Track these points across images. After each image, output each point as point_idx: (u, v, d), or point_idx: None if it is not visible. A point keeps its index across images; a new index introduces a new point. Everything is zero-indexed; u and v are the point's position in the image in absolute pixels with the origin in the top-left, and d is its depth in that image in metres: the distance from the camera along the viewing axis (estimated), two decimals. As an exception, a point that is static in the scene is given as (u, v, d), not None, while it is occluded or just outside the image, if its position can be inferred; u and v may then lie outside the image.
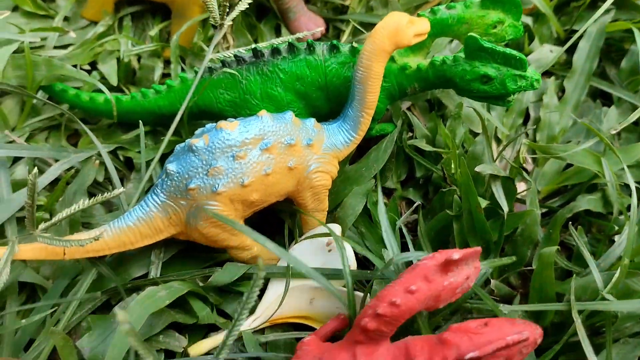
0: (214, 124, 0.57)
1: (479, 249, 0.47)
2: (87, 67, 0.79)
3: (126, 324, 0.33)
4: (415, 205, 0.69)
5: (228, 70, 0.63)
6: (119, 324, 0.39)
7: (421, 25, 0.58)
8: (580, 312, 0.54)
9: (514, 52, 0.57)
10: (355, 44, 0.64)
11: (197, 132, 0.58)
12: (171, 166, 0.55)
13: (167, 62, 0.82)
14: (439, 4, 0.89)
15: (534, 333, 0.44)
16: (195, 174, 0.54)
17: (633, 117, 0.70)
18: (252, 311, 0.61)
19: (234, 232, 0.58)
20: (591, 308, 0.54)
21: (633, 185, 0.63)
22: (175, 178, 0.55)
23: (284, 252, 0.50)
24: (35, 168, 0.48)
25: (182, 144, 0.57)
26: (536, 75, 0.59)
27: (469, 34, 0.58)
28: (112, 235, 0.56)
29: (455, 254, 0.45)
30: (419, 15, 0.65)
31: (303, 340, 0.52)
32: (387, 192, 0.75)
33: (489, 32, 0.65)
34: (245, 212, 0.58)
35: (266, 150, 0.55)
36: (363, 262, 0.69)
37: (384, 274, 0.58)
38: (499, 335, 0.43)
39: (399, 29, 0.57)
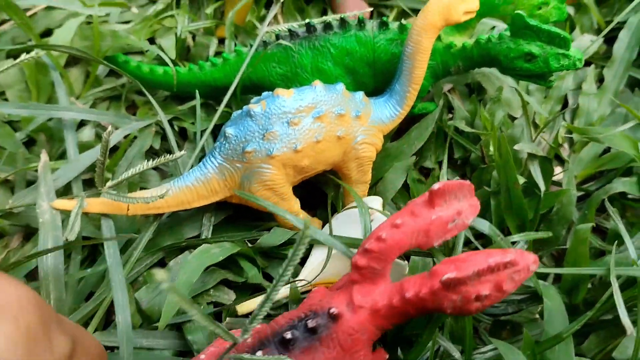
0: (271, 92, 0.60)
1: (467, 182, 0.47)
2: (147, 43, 0.84)
3: (166, 282, 0.35)
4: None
5: (283, 42, 0.66)
6: (161, 282, 0.44)
7: (471, 3, 0.61)
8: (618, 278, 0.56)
9: (559, 30, 0.60)
10: (404, 21, 0.67)
11: (254, 99, 0.62)
12: (230, 130, 0.59)
13: (221, 41, 0.86)
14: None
15: (525, 259, 0.42)
16: (252, 138, 0.58)
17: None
18: (295, 275, 0.65)
19: (284, 196, 0.62)
20: (629, 274, 0.55)
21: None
22: (233, 141, 0.59)
23: (299, 221, 0.54)
24: (110, 126, 0.52)
25: (240, 111, 0.61)
26: (579, 54, 0.61)
27: (515, 12, 0.60)
28: (171, 194, 0.60)
29: (436, 184, 0.45)
30: (467, -4, 0.67)
31: (315, 289, 0.53)
32: (426, 172, 0.78)
33: (534, 12, 0.67)
34: (295, 177, 0.62)
35: (318, 118, 0.59)
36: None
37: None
38: (484, 260, 0.42)
39: (451, 5, 0.59)
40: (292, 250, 0.52)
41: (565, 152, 0.81)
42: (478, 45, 0.65)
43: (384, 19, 0.67)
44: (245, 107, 0.59)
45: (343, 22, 0.66)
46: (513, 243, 0.65)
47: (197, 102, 0.69)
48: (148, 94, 0.68)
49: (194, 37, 0.85)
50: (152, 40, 0.84)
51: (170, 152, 0.68)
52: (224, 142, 0.59)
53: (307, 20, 0.67)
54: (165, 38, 0.81)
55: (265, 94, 0.61)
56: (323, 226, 0.68)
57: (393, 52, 0.67)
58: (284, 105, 0.58)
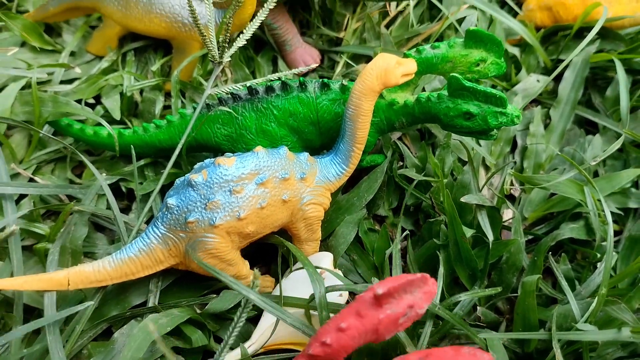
0: (213, 159, 0.60)
1: (418, 276, 0.46)
2: (92, 101, 0.83)
3: (155, 332, 0.35)
4: (404, 233, 0.72)
5: (224, 109, 0.66)
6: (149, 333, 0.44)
7: (409, 66, 0.62)
8: (559, 341, 0.56)
9: (494, 91, 0.61)
10: (345, 82, 0.67)
11: (196, 166, 0.61)
12: (171, 200, 0.58)
13: (168, 95, 0.85)
14: (428, 37, 0.94)
15: None
16: (194, 208, 0.57)
17: (614, 148, 0.73)
18: (247, 337, 0.64)
19: (231, 262, 0.61)
20: (568, 338, 0.56)
21: (610, 217, 0.66)
22: (175, 211, 0.58)
23: (245, 289, 0.52)
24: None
25: (182, 179, 0.60)
26: (516, 111, 0.62)
27: (451, 74, 0.61)
28: (114, 266, 0.59)
29: (379, 288, 0.44)
30: (405, 55, 0.68)
31: None
32: (379, 219, 0.78)
33: (472, 69, 0.68)
34: (242, 243, 0.61)
35: (261, 184, 0.58)
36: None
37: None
38: None
39: (388, 69, 0.60)
40: (233, 323, 0.53)
41: (516, 191, 0.82)
42: (419, 103, 0.65)
43: (325, 80, 0.67)
44: (186, 176, 0.59)
45: (284, 85, 0.67)
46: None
47: (134, 166, 0.67)
48: (86, 160, 0.67)
49: (141, 92, 0.84)
50: (98, 98, 0.83)
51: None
52: (166, 213, 0.59)
53: (248, 83, 0.67)
54: (110, 97, 0.80)
55: (206, 161, 0.60)
56: (276, 284, 0.68)
57: (336, 111, 0.67)
58: (225, 173, 0.57)
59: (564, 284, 0.62)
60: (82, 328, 0.60)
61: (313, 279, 0.57)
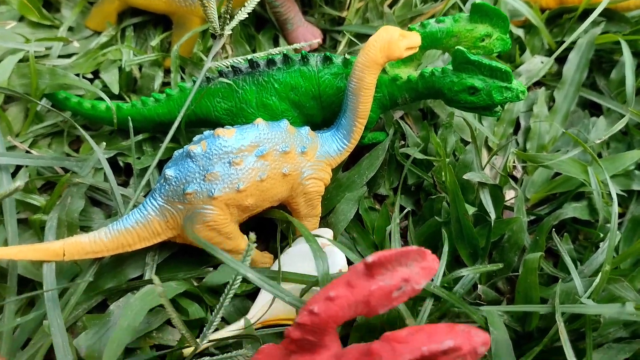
0: (212, 131, 0.59)
1: (413, 248, 0.44)
2: (90, 76, 0.81)
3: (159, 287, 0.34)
4: (405, 211, 0.71)
5: (224, 80, 0.65)
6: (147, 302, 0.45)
7: (412, 39, 0.60)
8: (563, 315, 0.56)
9: (500, 65, 0.60)
10: (347, 56, 0.66)
11: (195, 138, 0.60)
12: (169, 171, 0.57)
13: (167, 72, 0.84)
14: (431, 17, 0.93)
15: (472, 342, 0.39)
16: (193, 179, 0.56)
17: (618, 127, 0.72)
18: (245, 313, 0.63)
19: (229, 235, 0.60)
20: (571, 311, 0.55)
21: (615, 195, 0.65)
22: (173, 183, 0.57)
23: (239, 265, 0.51)
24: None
25: (181, 150, 0.59)
26: (521, 87, 0.61)
27: (456, 47, 0.60)
28: (110, 237, 0.58)
29: (369, 257, 0.42)
30: (409, 29, 0.67)
31: (263, 345, 0.51)
32: (380, 199, 0.77)
33: (477, 45, 0.67)
34: (241, 216, 0.60)
35: (261, 157, 0.57)
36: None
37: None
38: (423, 344, 0.39)
39: (391, 42, 0.59)
40: (222, 296, 0.52)
41: (518, 173, 0.81)
42: (422, 78, 0.64)
43: (327, 53, 0.66)
44: (185, 147, 0.58)
45: (286, 58, 0.65)
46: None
47: (131, 140, 0.66)
48: (85, 133, 0.66)
49: (140, 69, 0.83)
50: (96, 74, 0.82)
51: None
52: (164, 184, 0.58)
53: (249, 56, 0.66)
54: (109, 71, 0.79)
55: (206, 133, 0.59)
56: (274, 260, 0.67)
57: (338, 86, 0.66)
58: (225, 145, 0.56)
59: (567, 259, 0.61)
60: (77, 300, 0.60)
61: (316, 255, 0.56)
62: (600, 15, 0.92)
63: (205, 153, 0.56)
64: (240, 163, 0.57)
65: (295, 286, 0.61)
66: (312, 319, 0.43)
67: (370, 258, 0.42)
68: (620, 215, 0.77)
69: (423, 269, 0.43)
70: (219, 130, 0.57)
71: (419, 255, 0.44)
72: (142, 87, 0.81)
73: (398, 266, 0.43)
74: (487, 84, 0.61)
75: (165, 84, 0.83)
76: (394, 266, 0.43)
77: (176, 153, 0.59)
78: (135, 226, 0.58)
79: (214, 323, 0.53)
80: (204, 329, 0.54)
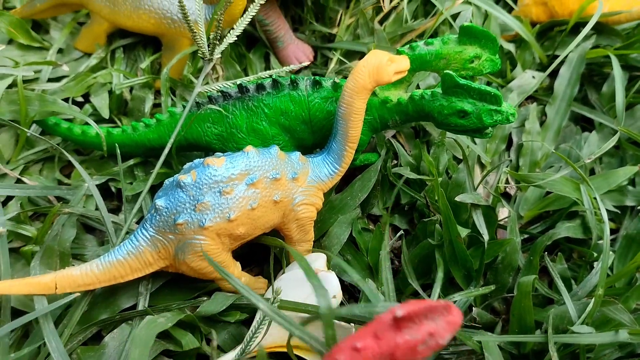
0: (202, 159, 0.58)
1: (440, 303, 0.43)
2: (80, 99, 0.81)
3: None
4: (399, 234, 0.71)
5: (214, 107, 0.65)
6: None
7: (401, 63, 0.60)
8: (556, 342, 0.56)
9: (489, 89, 0.60)
10: (337, 79, 0.66)
11: (185, 167, 0.60)
12: (160, 201, 0.57)
13: (158, 93, 0.84)
14: (422, 33, 0.93)
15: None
16: (183, 209, 0.56)
17: (608, 145, 0.72)
18: (240, 340, 0.63)
19: (222, 264, 0.60)
20: (564, 341, 0.55)
21: (606, 216, 0.65)
22: (164, 213, 0.57)
23: (241, 287, 0.50)
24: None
25: (171, 179, 0.59)
26: (511, 109, 0.61)
27: (445, 72, 0.60)
28: (102, 269, 0.58)
29: (399, 310, 0.41)
30: (398, 52, 0.67)
31: None
32: (374, 219, 0.77)
33: (466, 66, 0.67)
34: (232, 244, 0.60)
35: (252, 185, 0.57)
36: (349, 290, 0.71)
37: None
38: None
39: (380, 67, 0.59)
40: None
41: (512, 189, 0.81)
42: (412, 101, 0.64)
43: (317, 78, 0.66)
44: (175, 177, 0.57)
45: (275, 83, 0.65)
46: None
47: (119, 167, 0.66)
48: (73, 160, 0.66)
49: (131, 90, 0.83)
50: (87, 96, 0.81)
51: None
52: (155, 214, 0.57)
53: (238, 81, 0.65)
54: (99, 95, 0.79)
55: (196, 161, 0.59)
56: (269, 286, 0.67)
57: (328, 109, 0.66)
58: (215, 174, 0.56)
59: (560, 284, 0.61)
60: (71, 332, 0.59)
61: (318, 293, 0.55)
62: (591, 29, 0.92)
63: (195, 183, 0.56)
64: (231, 192, 0.56)
65: (292, 314, 0.61)
66: None
67: (400, 312, 0.41)
68: (614, 231, 0.77)
69: (448, 323, 0.42)
70: (209, 160, 0.57)
71: (445, 310, 0.43)
72: (133, 109, 0.81)
73: (425, 320, 0.42)
74: (477, 108, 0.61)
75: (156, 106, 0.83)
76: (420, 320, 0.42)
77: (167, 182, 0.59)
78: (127, 257, 0.58)
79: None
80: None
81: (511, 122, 0.61)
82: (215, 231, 0.57)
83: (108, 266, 0.58)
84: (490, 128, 0.63)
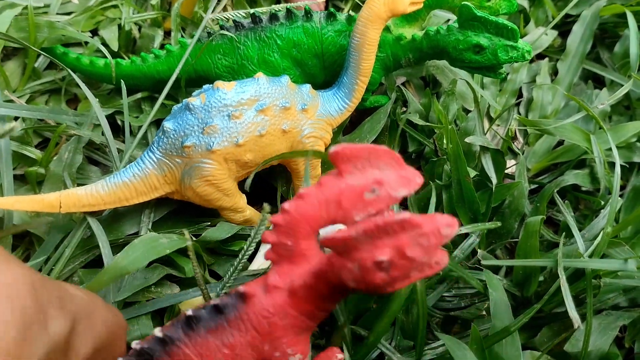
0: (211, 84, 0.58)
1: (382, 148, 0.40)
2: (89, 35, 0.80)
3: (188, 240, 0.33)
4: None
5: (226, 33, 0.64)
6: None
7: (417, -6, 0.59)
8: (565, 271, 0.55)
9: (506, 22, 0.59)
10: (352, 13, 0.65)
11: (195, 92, 0.59)
12: (168, 124, 0.56)
13: (167, 34, 0.83)
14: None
15: (433, 222, 0.35)
16: (192, 132, 0.55)
17: (620, 93, 0.71)
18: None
19: (228, 192, 0.59)
20: (574, 265, 0.55)
21: (618, 161, 0.64)
22: (172, 135, 0.56)
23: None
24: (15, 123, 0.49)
25: (180, 104, 0.58)
26: (527, 46, 0.60)
27: (462, 3, 0.59)
28: (107, 190, 0.57)
29: (333, 147, 0.39)
30: (414, -13, 0.66)
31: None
32: (380, 165, 0.77)
33: (483, 4, 0.66)
34: (239, 172, 0.59)
35: (261, 111, 0.57)
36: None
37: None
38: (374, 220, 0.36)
39: None
40: (245, 245, 0.51)
41: (519, 144, 0.81)
42: (427, 37, 0.63)
43: (332, 10, 0.65)
44: (184, 101, 0.57)
45: (289, 13, 0.64)
46: (466, 235, 0.64)
47: (124, 99, 0.65)
48: (85, 88, 0.65)
49: (139, 29, 0.82)
50: (95, 32, 0.80)
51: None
52: (162, 137, 0.57)
53: (252, 10, 0.64)
54: (108, 29, 0.78)
55: (205, 86, 0.58)
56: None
57: (341, 43, 0.65)
58: (224, 98, 0.55)
59: (570, 220, 0.61)
60: (71, 252, 0.59)
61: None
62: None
63: (204, 106, 0.55)
64: (240, 117, 0.56)
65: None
66: (285, 217, 0.41)
67: (333, 148, 0.39)
68: (622, 188, 0.76)
69: (401, 177, 0.40)
70: (219, 83, 0.56)
71: (393, 160, 0.40)
72: (142, 47, 0.80)
73: (369, 167, 0.40)
74: (492, 42, 0.60)
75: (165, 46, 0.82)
76: (364, 166, 0.40)
77: (175, 107, 0.59)
78: (133, 180, 0.58)
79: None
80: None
81: (526, 60, 0.61)
82: (222, 155, 0.56)
83: (113, 187, 0.58)
84: (504, 67, 0.63)
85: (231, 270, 0.54)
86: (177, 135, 0.56)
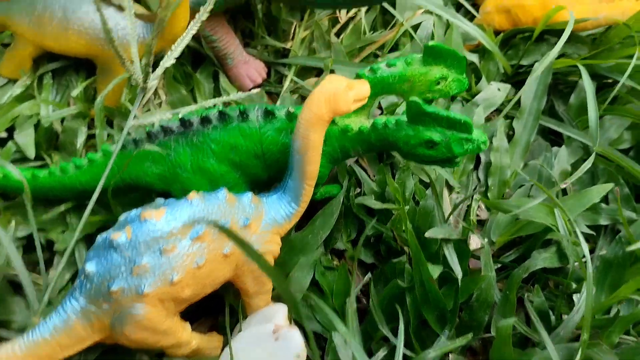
0: (139, 211, 0.51)
1: None
2: (4, 134, 0.72)
3: None
4: (366, 277, 0.65)
5: (151, 146, 0.57)
6: None
7: (361, 89, 0.54)
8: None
9: (458, 116, 0.54)
10: (291, 108, 0.60)
11: (121, 219, 0.52)
12: (90, 266, 0.49)
13: (93, 122, 0.75)
14: (382, 47, 0.87)
15: None
16: (118, 274, 0.48)
17: (583, 169, 0.68)
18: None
19: (167, 332, 0.52)
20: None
21: (586, 247, 0.61)
22: (96, 280, 0.49)
23: None
24: None
25: (104, 236, 0.51)
26: (483, 137, 0.56)
27: (410, 98, 0.54)
28: (25, 350, 0.49)
29: None
30: (358, 75, 0.61)
31: None
32: (338, 254, 0.71)
33: (432, 88, 0.61)
34: (179, 308, 0.53)
35: (197, 239, 0.50)
36: (317, 337, 0.64)
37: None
38: None
39: (337, 95, 0.52)
40: None
41: (483, 213, 0.77)
42: (375, 130, 0.58)
43: (268, 107, 0.59)
44: (106, 236, 0.50)
45: (222, 115, 0.58)
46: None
47: (32, 226, 0.57)
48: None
49: (62, 121, 0.74)
50: (12, 130, 0.72)
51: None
52: (84, 281, 0.49)
53: (180, 114, 0.58)
54: (24, 130, 0.70)
55: (132, 213, 0.51)
56: (225, 344, 0.60)
57: (283, 142, 0.59)
58: (153, 230, 0.49)
59: (541, 329, 0.57)
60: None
61: None
62: (555, 36, 0.88)
63: (131, 242, 0.48)
64: (173, 249, 0.49)
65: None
66: None
67: None
68: (590, 252, 0.73)
69: None
70: (146, 213, 0.49)
71: None
72: (65, 143, 0.72)
73: None
74: (446, 137, 0.55)
75: (91, 137, 0.74)
76: None
77: (99, 239, 0.51)
78: (55, 334, 0.50)
79: None
80: None
81: (482, 151, 0.56)
82: (156, 297, 0.49)
83: (32, 346, 0.49)
84: (459, 157, 0.58)
85: None
86: (101, 279, 0.49)
